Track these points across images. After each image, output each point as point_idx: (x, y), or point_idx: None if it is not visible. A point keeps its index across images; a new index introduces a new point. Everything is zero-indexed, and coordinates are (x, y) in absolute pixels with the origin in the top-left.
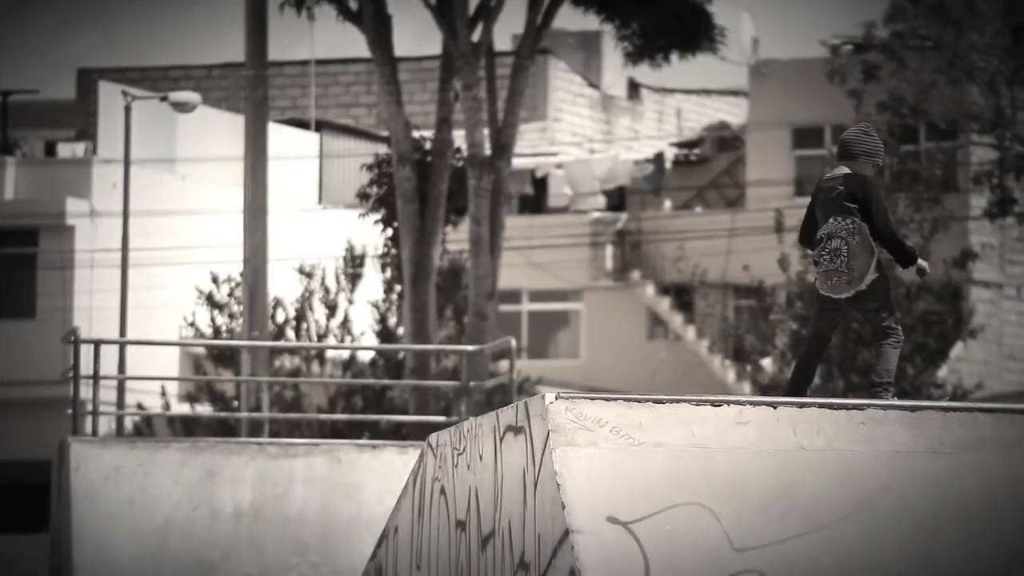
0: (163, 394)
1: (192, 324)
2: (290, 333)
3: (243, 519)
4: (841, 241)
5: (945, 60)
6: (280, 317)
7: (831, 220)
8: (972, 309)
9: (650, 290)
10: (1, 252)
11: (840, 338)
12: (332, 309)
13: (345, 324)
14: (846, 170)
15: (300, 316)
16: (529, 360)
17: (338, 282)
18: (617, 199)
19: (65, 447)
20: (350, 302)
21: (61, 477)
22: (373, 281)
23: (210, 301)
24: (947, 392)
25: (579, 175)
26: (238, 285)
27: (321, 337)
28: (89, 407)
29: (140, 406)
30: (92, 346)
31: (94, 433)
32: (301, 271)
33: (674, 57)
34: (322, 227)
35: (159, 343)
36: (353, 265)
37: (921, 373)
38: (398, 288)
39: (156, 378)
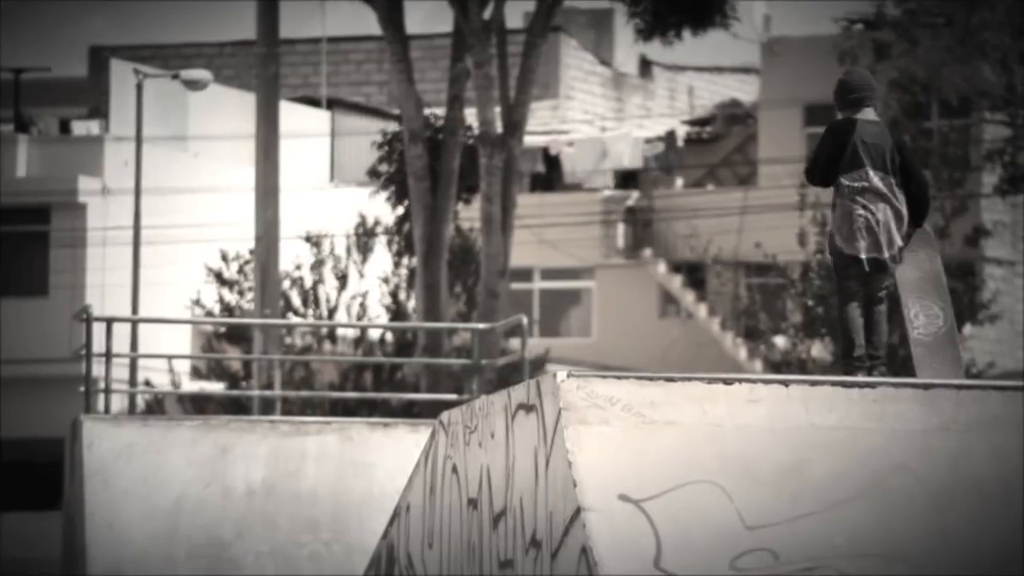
0: (171, 371)
1: (197, 302)
2: (299, 307)
3: (255, 497)
4: (886, 204)
5: (956, 38)
6: (288, 285)
7: (875, 174)
8: (994, 292)
9: (662, 268)
10: (13, 230)
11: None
12: (343, 280)
13: (357, 299)
14: (875, 116)
15: (308, 290)
16: (541, 338)
17: (349, 254)
18: (628, 177)
19: (78, 425)
20: (361, 275)
21: (74, 455)
22: (384, 257)
23: (219, 278)
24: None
25: (591, 153)
26: (247, 262)
27: (332, 313)
28: (101, 385)
29: (148, 383)
30: (104, 324)
31: (107, 411)
32: (308, 239)
33: (686, 33)
34: (334, 205)
35: (172, 321)
36: (366, 236)
37: None
38: (407, 264)
39: (169, 356)
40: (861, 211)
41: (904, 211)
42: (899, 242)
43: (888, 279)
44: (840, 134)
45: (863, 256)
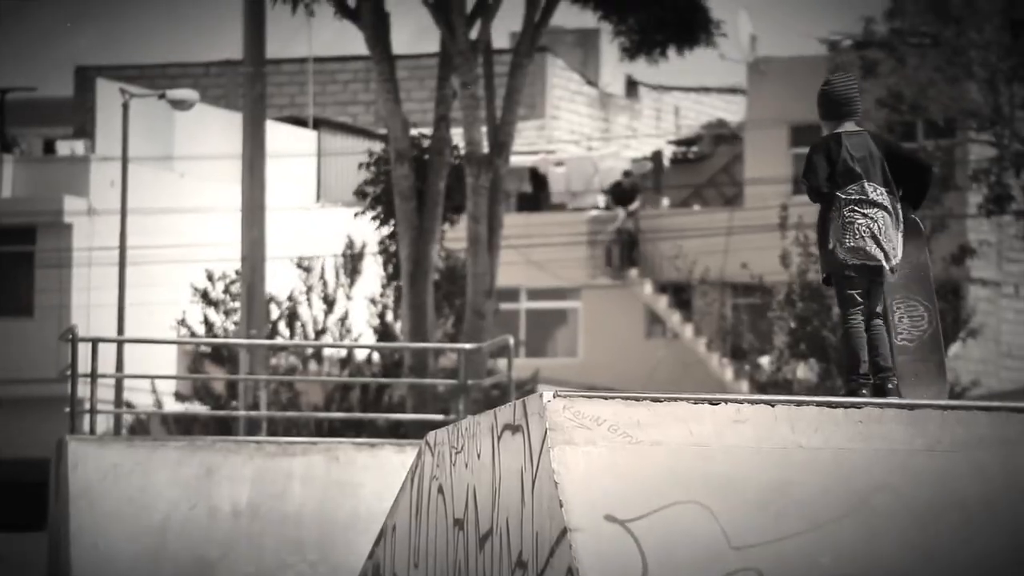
0: (154, 391)
1: (183, 322)
2: (285, 330)
3: (241, 518)
4: (885, 213)
5: (944, 57)
6: (276, 314)
7: (869, 185)
8: (972, 309)
9: (648, 288)
10: None
11: (839, 335)
12: (330, 304)
13: (344, 321)
14: (856, 127)
15: (295, 313)
16: (527, 358)
17: (337, 277)
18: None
19: (63, 445)
20: (348, 298)
21: (59, 475)
22: (371, 278)
23: (205, 298)
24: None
25: (580, 173)
26: (233, 282)
27: (318, 334)
28: (87, 405)
29: (129, 405)
30: (90, 344)
31: (92, 431)
32: (299, 265)
33: (671, 52)
34: (320, 225)
35: (157, 341)
36: (353, 260)
37: None
38: (395, 285)
39: (155, 376)
40: (862, 220)
41: (901, 221)
42: (900, 252)
43: (878, 288)
44: (829, 151)
45: (869, 263)
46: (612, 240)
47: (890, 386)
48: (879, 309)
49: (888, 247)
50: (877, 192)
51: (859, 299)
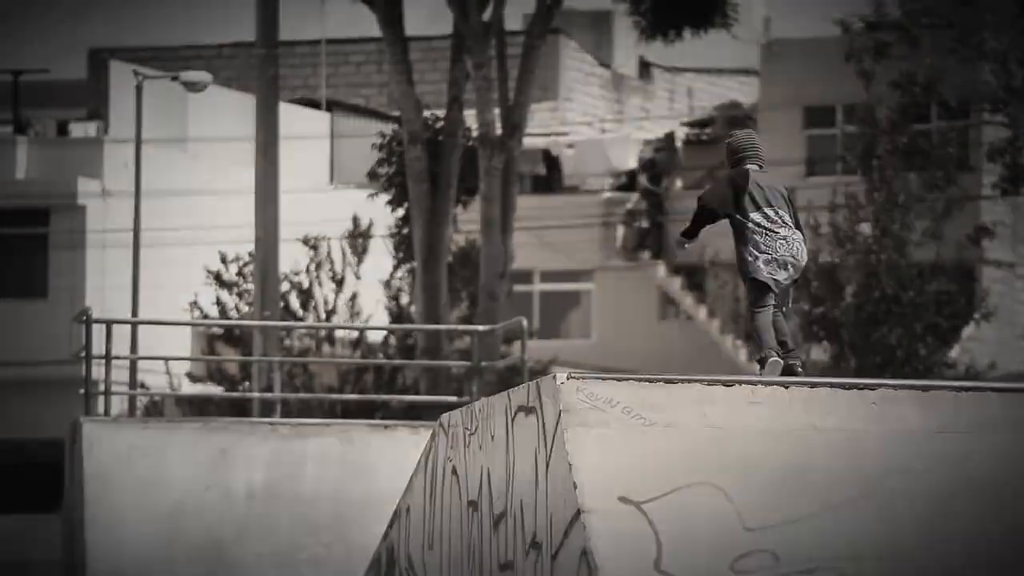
0: (168, 373)
1: (195, 304)
2: (299, 310)
3: (255, 499)
4: (792, 232)
5: (956, 39)
6: (287, 288)
7: (778, 211)
8: (987, 291)
9: (661, 270)
10: (13, 232)
11: (852, 317)
12: (339, 284)
13: (353, 301)
14: (761, 170)
15: (307, 292)
16: (541, 340)
17: (344, 256)
18: (628, 179)
19: (78, 427)
20: (357, 277)
21: (74, 457)
22: (383, 259)
23: (218, 280)
24: (959, 372)
25: (591, 155)
26: (246, 264)
27: (329, 315)
28: (101, 387)
29: (143, 386)
30: (104, 326)
31: (107, 413)
32: (305, 242)
33: (686, 34)
34: (334, 206)
35: (171, 323)
36: (359, 239)
37: (933, 353)
38: (408, 267)
39: (169, 358)
40: (772, 241)
41: (804, 237)
42: (805, 260)
43: (790, 288)
44: (737, 181)
45: (783, 281)
46: (632, 221)
47: (799, 369)
48: (786, 308)
49: (799, 262)
50: (784, 216)
51: (769, 302)
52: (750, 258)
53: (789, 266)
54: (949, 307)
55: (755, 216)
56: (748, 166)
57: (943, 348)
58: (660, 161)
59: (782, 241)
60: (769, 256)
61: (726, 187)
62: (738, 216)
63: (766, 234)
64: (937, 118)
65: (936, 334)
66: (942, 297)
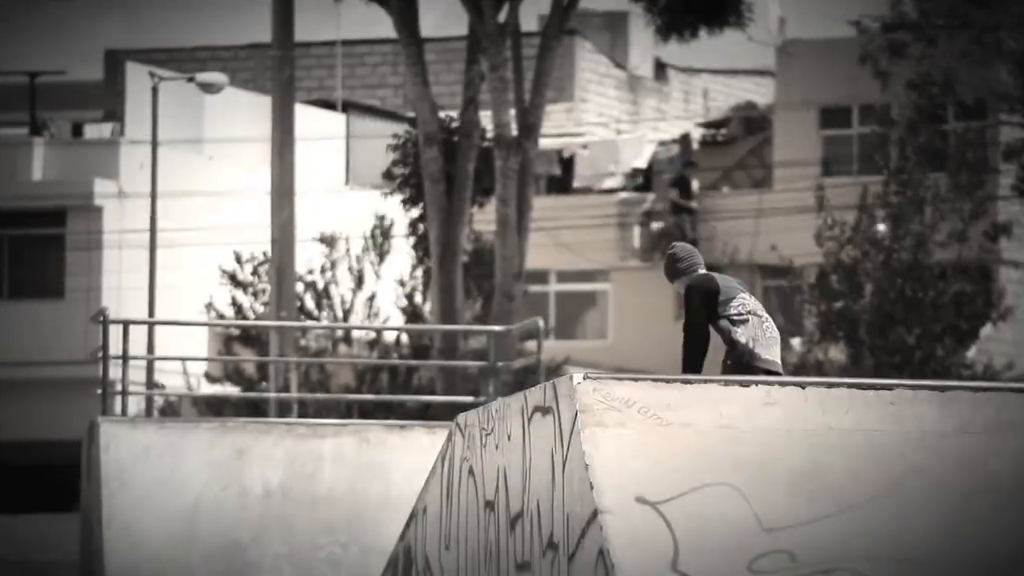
0: (185, 373)
1: (211, 305)
2: (314, 310)
3: (272, 499)
4: (769, 318)
5: (973, 39)
6: (302, 288)
7: (749, 296)
8: (1002, 291)
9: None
10: (30, 233)
11: (871, 316)
12: (359, 281)
13: (371, 302)
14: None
15: (323, 292)
16: (557, 341)
17: (366, 254)
18: (643, 179)
19: (95, 427)
20: (378, 277)
21: (91, 457)
22: (399, 259)
23: (233, 280)
24: (977, 372)
25: (604, 156)
26: (261, 264)
27: (347, 314)
28: (118, 387)
29: (160, 386)
30: (120, 327)
31: (123, 413)
32: (322, 240)
33: (702, 35)
34: (349, 207)
35: (188, 323)
36: (383, 236)
37: (951, 354)
38: (424, 267)
39: (185, 358)
40: (759, 324)
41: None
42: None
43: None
44: (707, 286)
45: (775, 359)
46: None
47: None
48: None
49: (778, 347)
50: (756, 300)
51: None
52: (749, 344)
53: (776, 342)
54: (969, 307)
55: (736, 306)
56: (700, 271)
57: (961, 349)
58: (690, 176)
59: (767, 323)
60: (761, 338)
61: (701, 297)
62: (722, 314)
63: (751, 317)
64: (954, 118)
65: (954, 335)
66: (962, 298)
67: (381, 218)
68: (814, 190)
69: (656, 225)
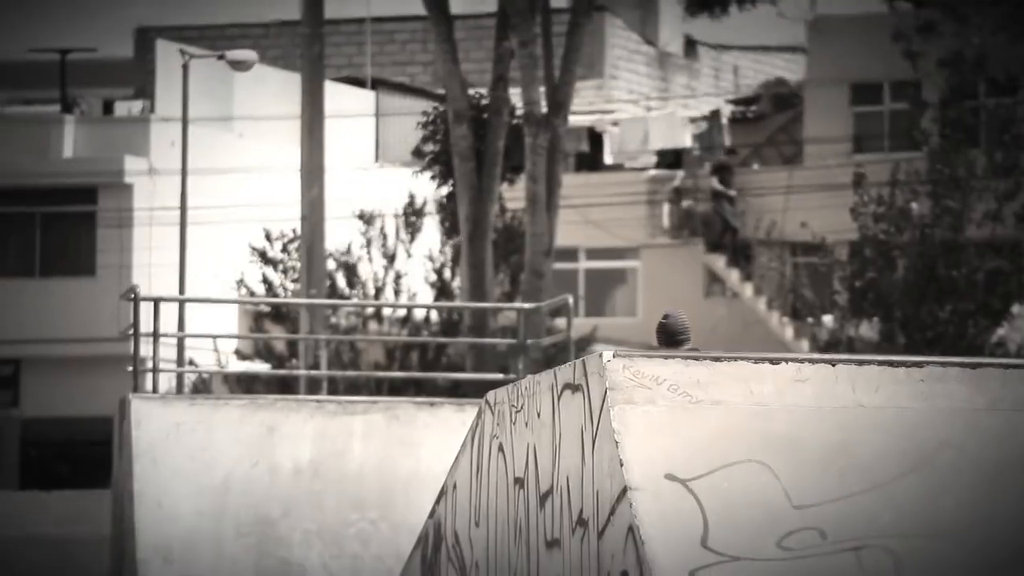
0: (215, 350)
1: (241, 282)
2: (345, 288)
3: (302, 476)
4: None
5: (1005, 15)
6: (333, 266)
7: None
8: None
9: (707, 248)
10: (61, 210)
11: (902, 293)
12: (390, 260)
13: (399, 279)
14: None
15: (354, 269)
16: (586, 318)
17: (398, 234)
18: (673, 157)
19: (126, 404)
20: (409, 255)
21: (122, 434)
22: (429, 235)
23: (263, 258)
24: (1009, 351)
25: (634, 133)
26: (291, 241)
27: (378, 291)
28: (149, 364)
29: (190, 363)
30: (151, 304)
31: (154, 390)
32: (360, 217)
33: (732, 9)
34: (379, 184)
35: (219, 301)
36: (414, 215)
37: (982, 332)
38: (453, 244)
39: (216, 335)
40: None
41: None
42: None
43: None
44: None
45: None
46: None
47: None
48: None
49: None
50: None
51: None
52: None
53: None
54: (1002, 286)
55: None
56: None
57: (993, 327)
58: (733, 164)
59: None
60: None
61: None
62: None
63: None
64: (985, 95)
65: (987, 313)
66: (995, 276)
67: (412, 196)
68: (852, 167)
69: (686, 203)
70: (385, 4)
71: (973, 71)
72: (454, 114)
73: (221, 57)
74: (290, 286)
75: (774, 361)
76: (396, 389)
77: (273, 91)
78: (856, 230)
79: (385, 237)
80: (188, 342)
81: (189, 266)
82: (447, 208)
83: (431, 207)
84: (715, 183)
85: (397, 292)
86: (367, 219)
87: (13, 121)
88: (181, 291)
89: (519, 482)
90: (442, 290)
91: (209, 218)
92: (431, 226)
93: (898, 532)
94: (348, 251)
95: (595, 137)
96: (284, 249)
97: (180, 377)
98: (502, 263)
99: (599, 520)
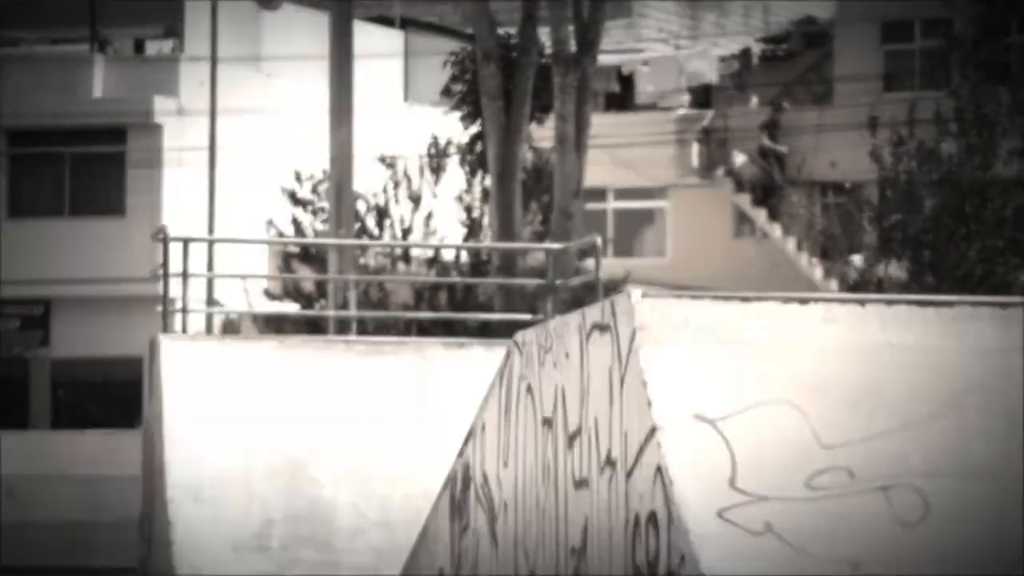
0: (245, 290)
1: (271, 223)
2: (374, 229)
3: (331, 418)
4: None
5: None
6: (363, 209)
7: None
8: None
9: (735, 188)
10: (90, 150)
11: (931, 237)
12: (416, 201)
13: (428, 220)
14: None
15: (383, 211)
16: (615, 258)
17: (422, 175)
18: (703, 96)
19: (155, 344)
20: (434, 196)
21: (152, 374)
22: (458, 175)
23: (293, 199)
24: None
25: (665, 72)
26: (321, 182)
27: (406, 233)
28: (179, 305)
29: (219, 303)
30: (181, 244)
31: (184, 330)
32: (382, 161)
33: None
34: (408, 125)
35: (248, 241)
36: (438, 156)
37: (1012, 270)
38: (480, 183)
39: (245, 275)
40: None
41: None
42: None
43: None
44: None
45: None
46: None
47: None
48: None
49: None
50: None
51: None
52: None
53: None
54: None
55: None
56: None
57: (1022, 265)
58: (779, 119)
59: None
60: None
61: None
62: None
63: None
64: (1018, 31)
65: (1016, 251)
66: (1023, 213)
67: (435, 138)
68: (868, 109)
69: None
70: None
71: (1005, 8)
72: (482, 54)
73: None
74: (320, 227)
75: (803, 301)
76: (425, 330)
77: (302, 31)
78: (880, 170)
79: (410, 180)
80: (218, 283)
81: (218, 206)
82: (471, 148)
83: (454, 148)
84: (765, 140)
85: (427, 234)
86: (389, 162)
87: (43, 61)
88: (210, 232)
89: (547, 423)
90: (472, 230)
91: (238, 158)
92: (457, 167)
93: (926, 471)
94: (377, 195)
95: (624, 76)
96: (314, 190)
97: (210, 317)
98: (531, 203)
99: (627, 460)
